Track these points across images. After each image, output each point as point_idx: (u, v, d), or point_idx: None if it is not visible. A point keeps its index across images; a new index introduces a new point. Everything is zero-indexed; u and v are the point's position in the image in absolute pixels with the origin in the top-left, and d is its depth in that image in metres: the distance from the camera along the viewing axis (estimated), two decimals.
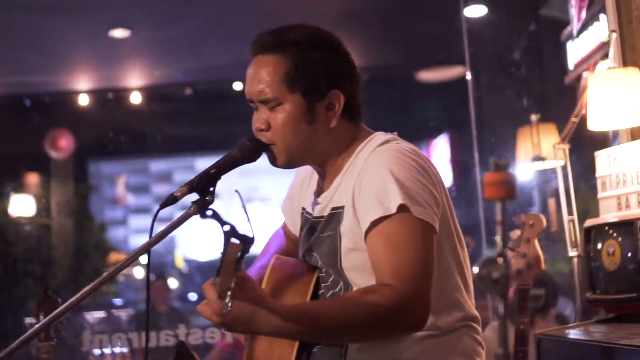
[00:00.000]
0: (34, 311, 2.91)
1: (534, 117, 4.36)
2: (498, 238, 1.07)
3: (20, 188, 8.72)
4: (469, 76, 5.65)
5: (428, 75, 7.21)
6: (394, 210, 1.83)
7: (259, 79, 1.98)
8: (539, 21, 5.49)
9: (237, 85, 7.25)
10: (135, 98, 7.65)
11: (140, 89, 7.61)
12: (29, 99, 7.90)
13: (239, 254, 1.59)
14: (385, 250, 1.83)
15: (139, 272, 9.54)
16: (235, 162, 1.96)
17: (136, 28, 6.23)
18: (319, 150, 2.03)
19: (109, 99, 7.85)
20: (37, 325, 1.82)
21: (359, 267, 1.94)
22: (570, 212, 3.33)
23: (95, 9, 5.84)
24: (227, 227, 1.61)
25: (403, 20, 6.15)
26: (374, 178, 1.90)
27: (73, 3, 5.74)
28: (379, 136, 2.03)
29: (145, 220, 10.55)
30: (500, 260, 1.01)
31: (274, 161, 2.02)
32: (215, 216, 1.69)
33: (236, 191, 1.76)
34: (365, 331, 1.83)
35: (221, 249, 1.60)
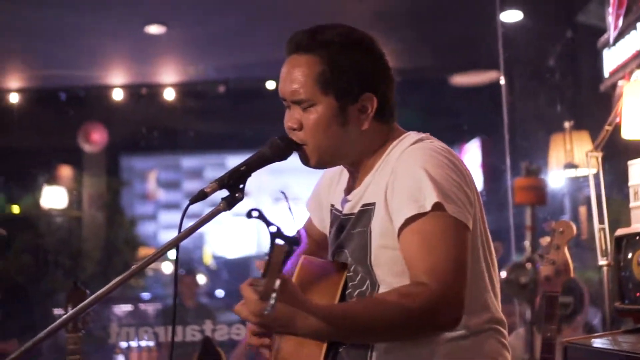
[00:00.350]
0: (63, 302, 2.94)
1: (567, 124, 4.32)
2: (527, 243, 1.06)
3: (52, 180, 8.80)
4: (502, 81, 5.61)
5: (461, 79, 7.18)
6: (428, 208, 1.83)
7: (292, 78, 1.98)
8: (575, 28, 5.44)
9: (270, 84, 7.26)
10: (169, 94, 7.68)
11: (174, 85, 7.63)
12: (64, 93, 7.95)
13: (285, 254, 1.60)
14: (419, 249, 1.83)
15: (167, 267, 9.61)
16: (265, 159, 1.97)
17: (172, 24, 6.26)
18: (350, 152, 2.03)
19: (143, 94, 7.90)
20: (65, 316, 1.84)
21: (388, 264, 1.94)
22: (601, 221, 3.30)
23: (132, 5, 5.87)
24: (273, 228, 1.61)
25: (438, 22, 6.13)
26: (407, 176, 1.90)
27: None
28: (412, 135, 2.03)
29: (175, 216, 10.57)
30: (529, 265, 1.00)
31: (306, 161, 2.03)
32: (261, 217, 1.69)
33: (282, 192, 1.76)
34: (400, 332, 1.84)
35: (267, 250, 1.60)
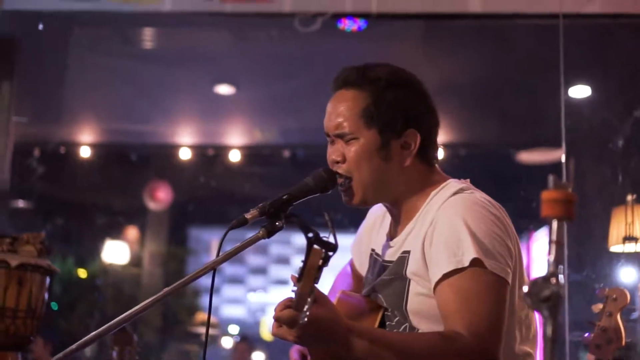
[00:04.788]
0: (110, 344, 2.95)
1: (629, 197, 4.24)
2: (551, 258, 1.01)
3: (116, 237, 8.92)
4: (563, 159, 5.54)
5: (526, 156, 7.09)
6: (467, 263, 1.81)
7: (337, 112, 2.01)
8: None
9: None
10: (234, 156, 7.74)
11: (240, 148, 7.70)
12: (133, 149, 8.09)
13: (321, 261, 1.57)
14: (456, 304, 1.81)
15: (227, 342, 9.56)
16: (308, 190, 1.98)
17: (241, 85, 6.37)
18: (392, 188, 2.03)
19: (209, 154, 7.99)
20: (87, 337, 1.81)
21: (423, 312, 1.92)
22: None
23: (203, 63, 6.00)
24: (311, 234, 1.60)
25: (502, 96, 6.11)
26: (447, 228, 1.88)
27: (182, 56, 5.91)
28: (453, 184, 2.01)
29: (237, 291, 10.59)
30: (552, 280, 0.96)
31: (349, 198, 2.03)
32: (300, 222, 1.68)
33: (325, 213, 1.75)
34: None
35: (304, 256, 1.59)
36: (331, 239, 1.62)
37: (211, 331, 8.36)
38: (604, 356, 2.91)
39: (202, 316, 9.28)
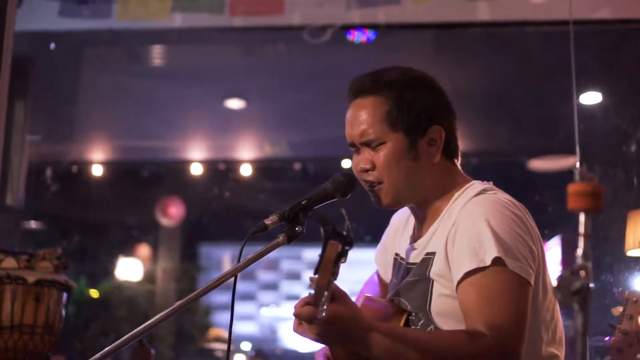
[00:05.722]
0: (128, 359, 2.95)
1: None
2: (580, 251, 1.01)
3: (129, 254, 8.93)
4: (578, 165, 5.51)
5: (539, 164, 7.07)
6: (488, 262, 1.81)
7: (360, 121, 2.01)
8: None
9: (346, 163, 7.28)
10: (246, 170, 7.75)
11: (251, 162, 7.71)
12: (145, 166, 8.12)
13: (338, 254, 1.57)
14: (477, 302, 1.81)
15: (239, 359, 9.53)
16: (326, 194, 1.98)
17: (252, 99, 6.38)
18: (422, 187, 2.03)
19: (220, 169, 8.00)
20: (103, 351, 1.80)
21: (447, 313, 1.92)
22: None
23: (213, 78, 6.01)
24: (328, 227, 1.60)
25: (513, 104, 6.11)
26: (469, 228, 1.88)
27: (192, 71, 5.93)
28: (476, 185, 2.02)
29: (250, 308, 10.56)
30: (582, 273, 0.95)
31: (378, 201, 2.04)
32: (317, 216, 1.68)
33: (342, 210, 1.75)
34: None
35: (321, 250, 1.58)
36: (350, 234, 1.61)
37: (223, 347, 8.35)
38: (625, 359, 2.89)
39: (214, 332, 9.27)
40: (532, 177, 7.15)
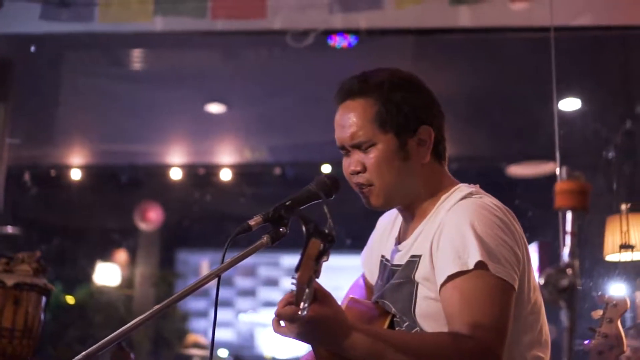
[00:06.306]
0: None
1: (624, 206, 4.25)
2: (567, 249, 1.01)
3: (107, 259, 8.87)
4: (557, 171, 5.53)
5: (518, 170, 7.10)
6: (471, 266, 1.81)
7: (350, 123, 2.01)
8: (635, 118, 5.39)
9: (326, 168, 7.27)
10: (225, 175, 7.73)
11: (231, 166, 7.69)
12: (123, 170, 8.07)
13: (319, 252, 1.56)
14: (460, 305, 1.81)
15: (222, 353, 9.49)
16: (310, 195, 1.97)
17: (232, 103, 6.36)
18: (412, 188, 2.04)
19: (200, 174, 7.97)
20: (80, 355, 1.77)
21: (432, 316, 1.92)
22: None
23: (194, 82, 5.99)
24: (310, 225, 1.59)
25: (494, 110, 6.13)
26: (454, 231, 1.89)
27: (173, 75, 5.91)
28: (463, 188, 2.02)
29: (227, 314, 10.52)
30: (569, 270, 0.95)
31: (369, 202, 2.04)
32: (300, 214, 1.68)
33: (324, 208, 1.74)
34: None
35: (302, 247, 1.58)
36: (331, 231, 1.61)
37: (201, 353, 8.32)
38: None
39: (192, 338, 9.22)
40: (512, 182, 7.17)
